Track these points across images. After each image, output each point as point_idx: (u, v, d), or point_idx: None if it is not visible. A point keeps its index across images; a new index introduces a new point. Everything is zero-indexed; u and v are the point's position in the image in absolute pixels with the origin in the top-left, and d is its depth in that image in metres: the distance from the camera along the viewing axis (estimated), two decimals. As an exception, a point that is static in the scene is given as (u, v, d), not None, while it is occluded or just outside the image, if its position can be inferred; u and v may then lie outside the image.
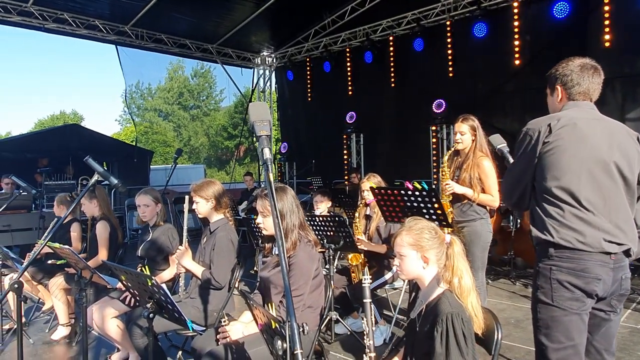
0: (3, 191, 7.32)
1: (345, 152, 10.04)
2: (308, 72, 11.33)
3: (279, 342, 1.30)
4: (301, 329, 1.25)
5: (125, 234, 9.23)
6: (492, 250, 6.60)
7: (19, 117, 65.17)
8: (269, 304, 2.36)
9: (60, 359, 3.83)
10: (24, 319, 4.47)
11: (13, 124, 65.23)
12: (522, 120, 8.00)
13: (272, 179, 1.45)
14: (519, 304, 4.89)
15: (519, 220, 6.26)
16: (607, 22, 6.79)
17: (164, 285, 2.07)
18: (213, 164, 35.71)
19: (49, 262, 4.15)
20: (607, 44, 6.84)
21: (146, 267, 2.42)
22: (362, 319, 3.96)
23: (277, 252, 2.65)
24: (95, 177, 2.39)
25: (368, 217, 4.19)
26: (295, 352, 1.21)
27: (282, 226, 2.50)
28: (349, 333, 3.95)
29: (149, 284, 2.07)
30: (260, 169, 12.95)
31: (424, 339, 1.83)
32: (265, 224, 2.59)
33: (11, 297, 4.22)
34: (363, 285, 2.01)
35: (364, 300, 1.99)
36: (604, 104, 6.90)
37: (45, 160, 10.32)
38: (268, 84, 12.81)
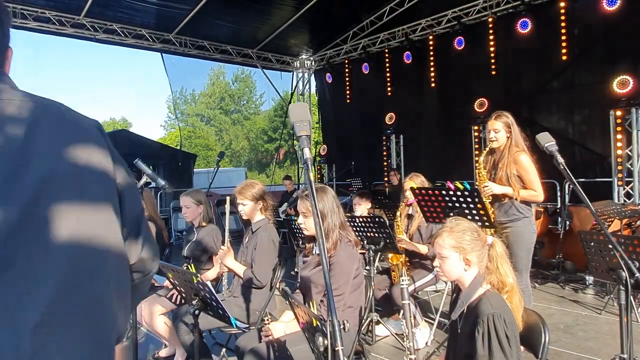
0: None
1: (384, 153, 9.96)
2: (347, 74, 11.33)
3: (320, 339, 1.31)
4: (342, 326, 1.26)
5: (170, 235, 9.56)
6: (539, 253, 6.44)
7: (73, 124, 68.66)
8: (310, 303, 2.38)
9: (111, 353, 4.00)
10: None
11: (67, 131, 68.79)
12: (570, 118, 7.73)
13: (312, 178, 1.47)
14: (568, 308, 4.69)
15: (567, 222, 6.01)
16: (663, 13, 6.42)
17: (208, 283, 2.13)
18: (254, 167, 36.33)
19: None
20: (664, 36, 6.46)
21: (191, 265, 2.50)
22: (403, 320, 3.92)
23: (318, 252, 2.67)
24: (144, 179, 2.49)
25: (410, 217, 4.15)
26: (336, 349, 1.22)
27: (323, 226, 2.53)
28: (390, 335, 3.92)
29: (195, 281, 2.14)
30: (300, 171, 13.06)
31: (466, 340, 1.80)
32: (307, 224, 2.62)
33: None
34: (401, 286, 2.00)
35: (403, 302, 1.97)
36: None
37: None
38: (307, 86, 12.92)
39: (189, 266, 2.43)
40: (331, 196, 2.59)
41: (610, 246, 2.76)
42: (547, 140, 2.74)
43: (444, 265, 1.91)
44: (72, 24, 8.75)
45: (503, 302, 1.80)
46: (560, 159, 2.65)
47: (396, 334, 3.87)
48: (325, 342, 1.29)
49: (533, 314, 1.95)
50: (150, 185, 4.29)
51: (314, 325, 1.65)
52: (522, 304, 1.88)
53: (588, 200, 2.63)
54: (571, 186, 6.00)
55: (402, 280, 2.06)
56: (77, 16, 8.67)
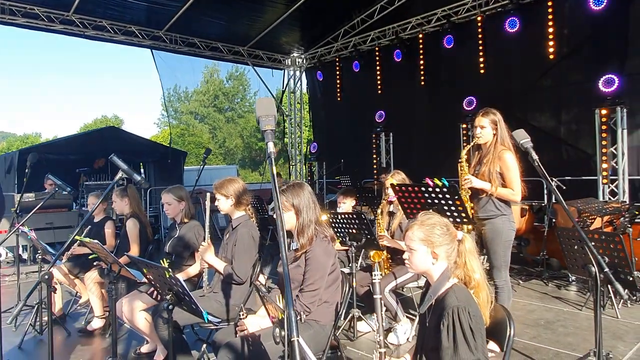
0: (46, 191, 7.71)
1: (374, 151, 9.99)
2: (337, 72, 11.35)
3: (277, 330, 1.33)
4: (298, 317, 1.27)
5: (159, 232, 9.54)
6: (524, 250, 6.48)
7: (65, 121, 68.43)
8: (280, 297, 2.40)
9: (94, 348, 4.00)
10: (62, 312, 4.72)
11: (59, 129, 68.55)
12: (559, 116, 7.78)
13: (275, 172, 1.48)
14: (549, 305, 4.74)
15: (552, 220, 6.06)
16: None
17: (180, 277, 2.14)
18: (247, 165, 36.29)
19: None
20: (650, 35, 6.51)
21: (164, 260, 2.51)
22: (378, 316, 3.95)
23: (295, 247, 2.68)
24: (120, 174, 2.49)
25: (391, 214, 4.17)
26: (292, 340, 1.24)
27: (298, 221, 2.55)
28: (371, 331, 3.95)
29: (167, 275, 2.15)
30: (292, 169, 13.07)
31: (433, 333, 1.82)
32: (284, 218, 2.63)
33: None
34: (373, 281, 2.02)
35: (374, 296, 1.99)
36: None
37: (101, 161, 10.76)
38: (298, 84, 12.91)
39: (162, 261, 2.44)
40: (307, 192, 2.60)
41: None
42: (522, 137, 2.77)
43: (412, 257, 1.93)
44: (61, 20, 8.70)
45: (469, 296, 1.82)
46: (535, 156, 2.69)
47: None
48: (282, 332, 1.30)
49: (501, 308, 1.97)
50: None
51: (281, 318, 1.66)
52: (490, 300, 1.90)
53: (561, 198, 2.67)
54: (557, 183, 6.05)
55: (374, 275, 2.08)
56: (66, 12, 8.63)
